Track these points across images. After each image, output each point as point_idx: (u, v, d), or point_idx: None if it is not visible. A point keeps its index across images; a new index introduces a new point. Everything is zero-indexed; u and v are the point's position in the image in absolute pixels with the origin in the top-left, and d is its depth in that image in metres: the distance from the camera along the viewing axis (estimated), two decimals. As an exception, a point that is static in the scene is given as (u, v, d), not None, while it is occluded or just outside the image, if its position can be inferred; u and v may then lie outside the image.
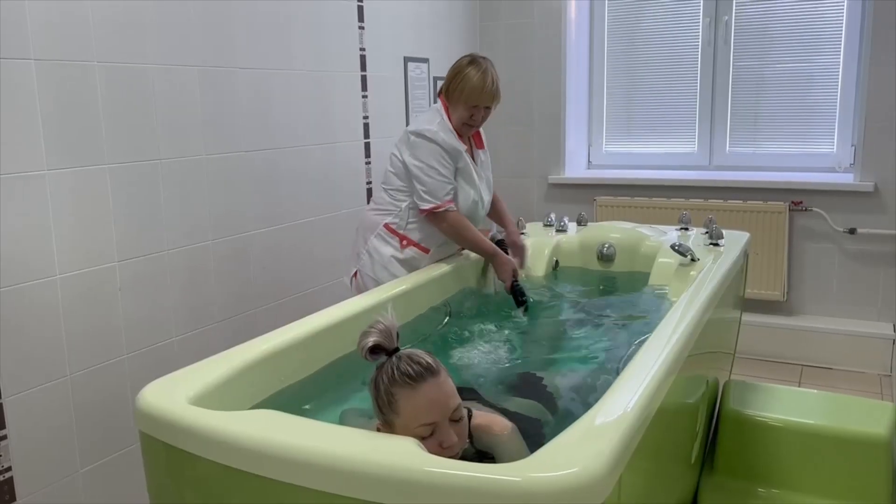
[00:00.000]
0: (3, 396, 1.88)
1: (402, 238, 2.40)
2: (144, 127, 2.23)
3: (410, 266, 2.39)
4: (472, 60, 2.37)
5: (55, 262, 1.99)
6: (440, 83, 2.55)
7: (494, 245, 2.43)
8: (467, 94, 2.33)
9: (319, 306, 2.05)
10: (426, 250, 2.41)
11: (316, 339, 1.81)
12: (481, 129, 2.54)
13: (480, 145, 2.56)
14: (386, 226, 2.42)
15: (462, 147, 2.38)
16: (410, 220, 2.39)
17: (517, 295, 2.38)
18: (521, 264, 2.60)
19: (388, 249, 2.40)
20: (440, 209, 2.32)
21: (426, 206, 2.33)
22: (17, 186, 1.89)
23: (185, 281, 2.40)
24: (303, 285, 2.89)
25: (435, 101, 2.67)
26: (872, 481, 2.07)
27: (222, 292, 2.54)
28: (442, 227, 2.37)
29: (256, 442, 1.21)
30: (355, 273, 2.47)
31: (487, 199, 2.55)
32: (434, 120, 2.38)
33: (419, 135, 2.34)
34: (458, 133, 2.40)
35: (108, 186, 2.13)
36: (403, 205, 2.39)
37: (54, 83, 1.96)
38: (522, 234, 2.92)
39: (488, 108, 2.39)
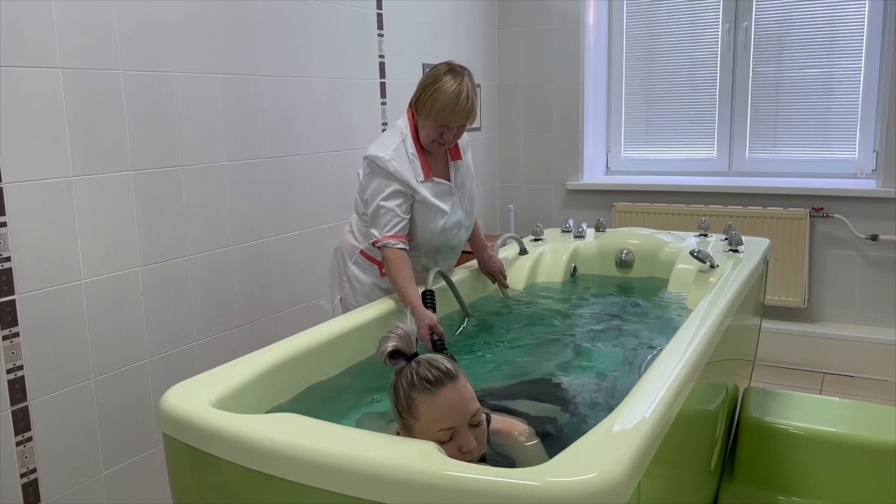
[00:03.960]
0: (28, 399, 1.92)
1: (380, 265, 2.26)
2: (168, 134, 2.26)
3: (392, 293, 2.22)
4: (451, 70, 2.10)
5: (80, 267, 2.03)
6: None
7: (416, 298, 2.05)
8: (437, 111, 2.07)
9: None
10: None
11: (337, 344, 1.83)
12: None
13: (457, 156, 2.29)
14: (362, 252, 2.29)
15: (418, 178, 2.15)
16: None
17: (437, 349, 2.05)
18: (504, 284, 2.47)
19: (367, 278, 2.29)
20: (378, 243, 2.11)
21: (371, 238, 2.14)
22: (44, 192, 1.93)
23: (207, 286, 2.43)
24: (322, 290, 2.91)
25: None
26: (895, 490, 2.04)
27: (243, 297, 2.57)
28: (384, 260, 2.15)
29: (278, 445, 1.22)
30: (340, 298, 2.37)
31: (464, 217, 2.31)
32: (391, 143, 2.15)
33: (371, 161, 2.14)
34: (424, 150, 2.18)
35: (131, 192, 2.16)
36: None
37: (81, 91, 2.00)
38: (541, 239, 2.93)
39: (462, 127, 2.13)
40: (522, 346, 2.14)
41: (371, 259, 2.29)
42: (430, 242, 2.25)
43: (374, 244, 2.14)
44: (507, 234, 2.76)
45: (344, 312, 2.24)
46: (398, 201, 2.12)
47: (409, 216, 2.16)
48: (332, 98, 2.94)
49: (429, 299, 2.13)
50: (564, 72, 4.08)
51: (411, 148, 2.16)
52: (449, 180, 2.27)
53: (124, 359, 2.17)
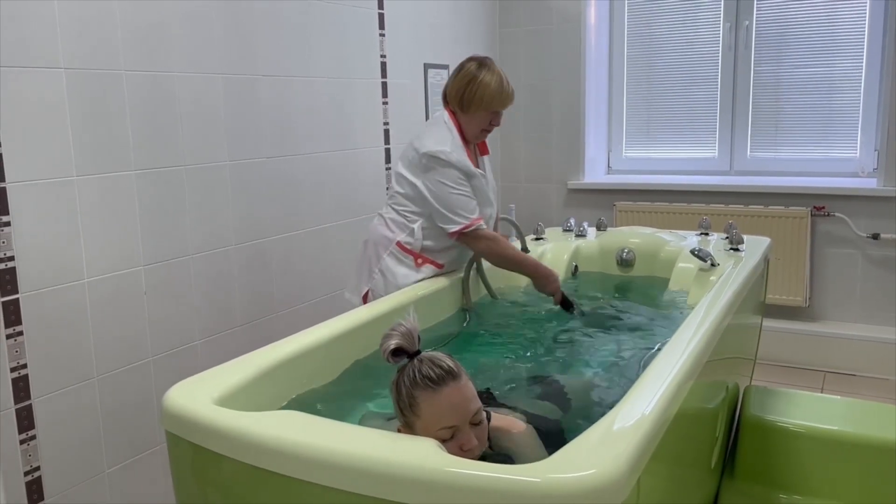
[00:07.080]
0: (32, 397, 1.93)
1: (416, 256, 2.33)
2: (169, 134, 2.27)
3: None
4: (481, 64, 2.30)
5: (83, 266, 2.04)
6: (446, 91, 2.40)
7: (535, 259, 2.25)
8: (488, 101, 2.27)
9: (340, 310, 2.07)
10: (441, 266, 2.35)
11: (338, 342, 1.83)
12: None
13: (485, 151, 2.48)
14: (399, 244, 2.34)
15: (474, 166, 2.32)
16: (425, 238, 2.32)
17: (567, 307, 2.35)
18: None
19: (402, 269, 2.33)
20: (471, 227, 2.23)
21: (456, 228, 2.24)
22: (47, 192, 1.94)
23: (208, 285, 2.44)
24: (323, 289, 2.92)
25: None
26: (895, 489, 2.05)
27: (244, 296, 2.58)
28: (479, 247, 2.29)
29: (281, 442, 1.23)
30: (366, 292, 2.40)
31: (498, 207, 2.50)
32: (445, 139, 2.28)
33: (433, 157, 2.24)
34: (468, 144, 2.34)
35: (134, 192, 2.17)
36: (416, 224, 2.31)
37: (83, 91, 2.01)
38: (542, 238, 2.94)
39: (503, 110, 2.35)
40: (523, 345, 2.14)
41: (407, 251, 2.34)
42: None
43: (463, 230, 2.24)
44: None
45: None
46: (468, 187, 2.27)
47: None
48: (334, 98, 2.95)
49: None
50: (565, 71, 4.09)
51: (459, 141, 2.31)
52: (485, 174, 2.44)
53: (127, 358, 2.18)
